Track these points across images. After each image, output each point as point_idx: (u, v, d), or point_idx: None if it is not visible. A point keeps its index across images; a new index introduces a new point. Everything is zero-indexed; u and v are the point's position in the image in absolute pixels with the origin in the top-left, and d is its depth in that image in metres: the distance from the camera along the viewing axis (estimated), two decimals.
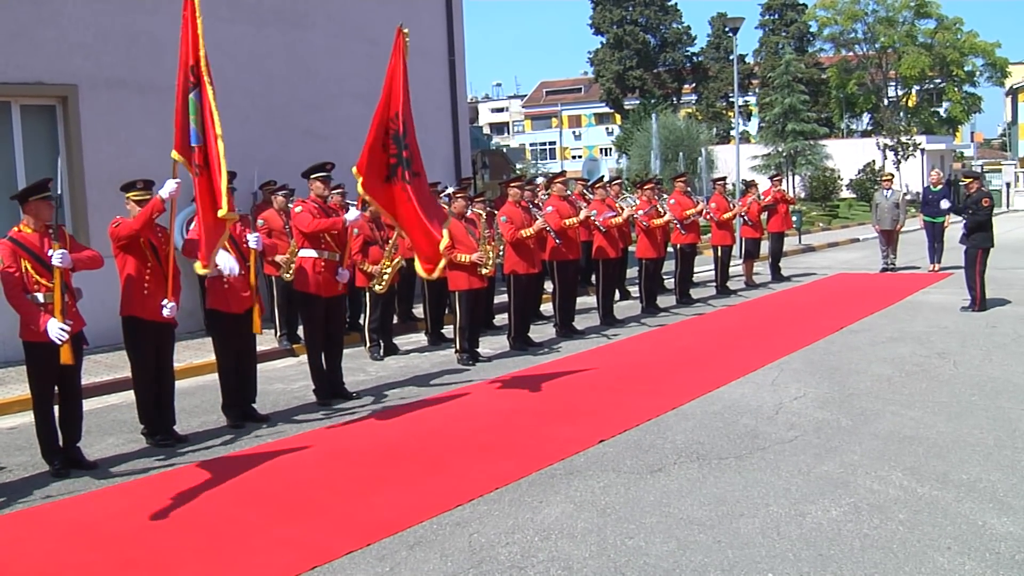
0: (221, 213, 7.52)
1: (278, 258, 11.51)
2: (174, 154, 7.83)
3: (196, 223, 8.03)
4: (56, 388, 7.48)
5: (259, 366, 9.36)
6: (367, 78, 14.73)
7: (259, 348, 9.45)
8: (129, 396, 8.85)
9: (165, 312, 7.88)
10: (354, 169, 9.09)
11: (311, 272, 9.41)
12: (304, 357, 10.39)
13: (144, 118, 12.90)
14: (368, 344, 12.00)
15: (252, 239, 8.54)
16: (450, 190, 12.80)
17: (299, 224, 9.43)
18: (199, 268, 7.91)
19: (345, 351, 10.03)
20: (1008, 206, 48.15)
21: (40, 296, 7.16)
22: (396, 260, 10.82)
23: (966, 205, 14.08)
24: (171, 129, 7.90)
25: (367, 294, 11.79)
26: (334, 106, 15.70)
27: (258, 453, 7.77)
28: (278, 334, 12.50)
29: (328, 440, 8.07)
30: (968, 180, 14.12)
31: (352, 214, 9.38)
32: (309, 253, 9.46)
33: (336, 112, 15.58)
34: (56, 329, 7.01)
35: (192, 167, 7.74)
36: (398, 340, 12.71)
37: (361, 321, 12.23)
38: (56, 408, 7.51)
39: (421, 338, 13.15)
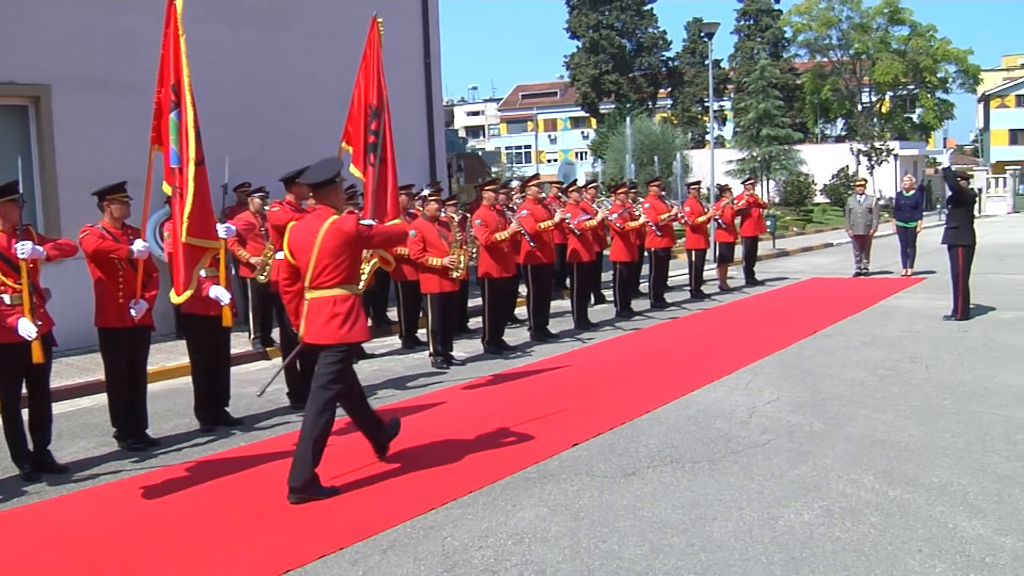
0: (183, 238, 7.47)
1: (253, 260, 11.44)
2: (165, 186, 7.75)
3: (169, 245, 7.92)
4: (25, 390, 7.42)
5: (232, 369, 9.32)
6: (344, 80, 14.59)
7: (232, 351, 9.39)
8: (100, 399, 8.80)
9: (133, 312, 7.83)
10: (343, 143, 9.19)
11: None
12: (278, 360, 10.36)
13: (119, 119, 12.83)
14: None
15: (221, 229, 8.42)
16: (425, 192, 12.76)
17: (275, 219, 9.37)
18: (173, 297, 7.70)
19: None
20: (980, 212, 48.47)
21: (7, 298, 7.08)
22: (372, 262, 10.78)
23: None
24: (147, 131, 7.84)
25: None
26: (311, 108, 15.65)
27: (231, 457, 7.74)
28: (252, 337, 12.44)
29: None
30: (961, 180, 14.06)
31: None
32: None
33: (313, 114, 15.52)
34: (26, 325, 6.96)
35: (174, 190, 7.63)
36: (372, 344, 12.68)
37: None
38: (25, 411, 7.45)
39: (395, 341, 13.12)
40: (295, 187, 9.46)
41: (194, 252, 7.63)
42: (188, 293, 7.65)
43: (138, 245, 7.84)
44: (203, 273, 8.30)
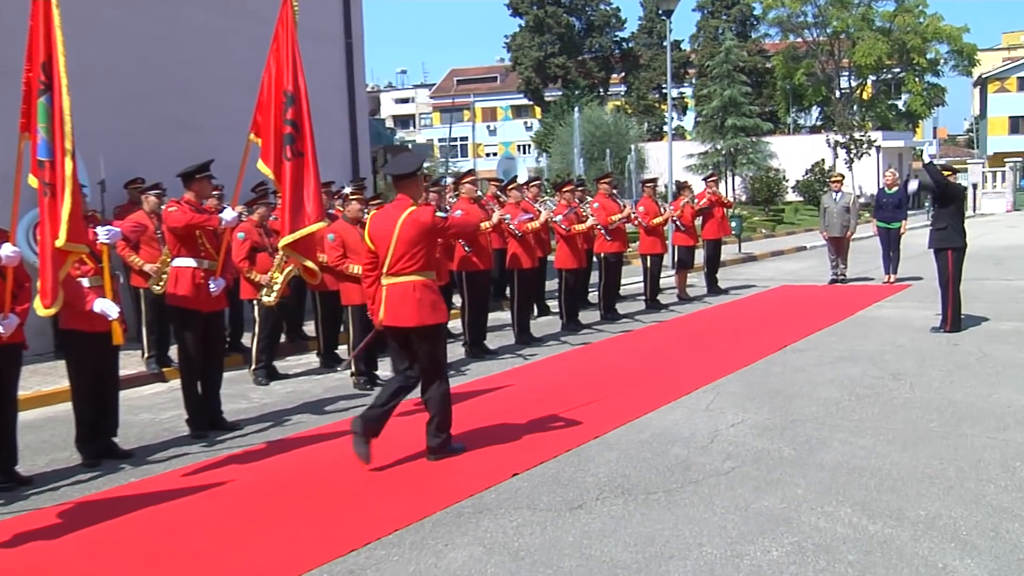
0: (59, 243, 7.39)
1: (147, 267, 11.35)
2: (31, 179, 7.63)
3: (41, 251, 7.80)
4: None
5: (122, 393, 9.19)
6: (252, 62, 14.54)
7: (122, 372, 9.28)
8: None
9: (1, 329, 7.67)
10: (251, 135, 9.20)
11: (189, 283, 9.28)
12: (176, 382, 10.23)
13: None
14: (254, 366, 11.86)
15: (102, 232, 8.28)
16: (347, 190, 12.69)
17: (173, 221, 9.27)
18: (40, 309, 7.59)
19: (224, 375, 9.95)
20: (975, 210, 48.84)
21: None
22: (287, 270, 10.74)
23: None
24: (14, 116, 7.71)
25: (256, 308, 11.67)
26: (213, 93, 15.55)
27: (119, 496, 7.60)
28: (146, 356, 12.29)
29: (203, 478, 7.94)
30: (948, 173, 14.20)
31: (228, 214, 9.27)
32: (186, 262, 9.33)
33: (216, 100, 15.42)
34: None
35: (43, 186, 7.51)
36: (287, 361, 12.62)
37: (244, 340, 12.09)
38: None
39: (312, 359, 13.06)
40: (195, 184, 9.38)
41: (62, 257, 7.55)
42: (56, 307, 7.55)
43: (6, 250, 7.67)
44: (87, 283, 8.19)
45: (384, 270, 7.99)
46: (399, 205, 8.01)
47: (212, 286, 9.35)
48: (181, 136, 14.55)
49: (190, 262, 9.33)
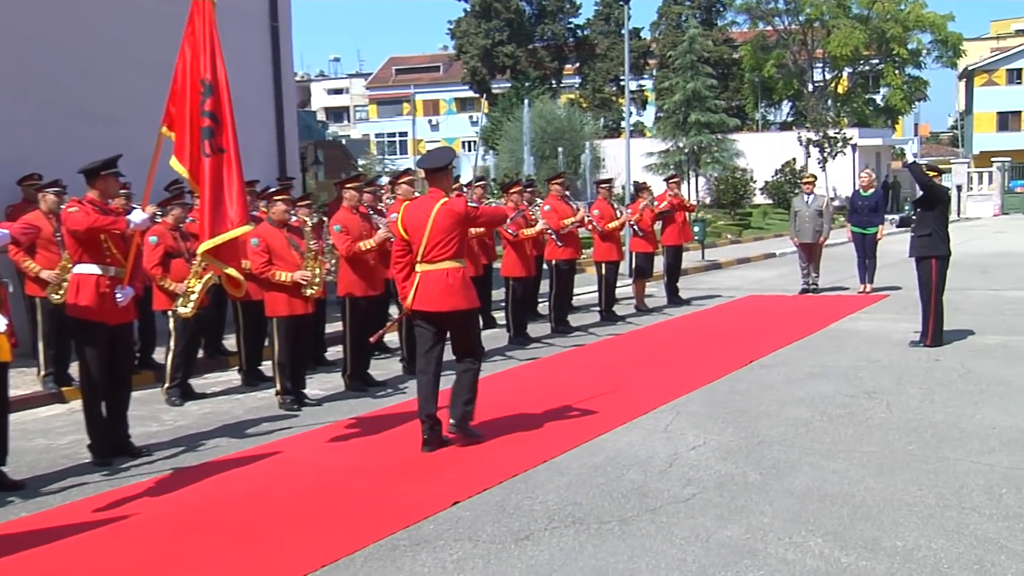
0: None
1: (45, 274, 11.19)
2: None
3: None
4: None
5: (14, 416, 9.09)
6: (162, 44, 14.34)
7: (14, 392, 9.14)
8: None
9: None
10: (164, 128, 9.10)
11: (93, 293, 9.14)
12: (77, 403, 10.10)
13: None
14: (167, 384, 11.71)
15: None
16: (272, 190, 12.58)
17: (74, 223, 9.11)
18: None
19: (133, 394, 9.84)
20: (959, 214, 49.02)
21: None
22: (205, 277, 10.63)
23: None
24: None
25: (170, 320, 11.54)
26: (117, 78, 15.33)
27: (7, 533, 7.45)
28: (42, 373, 12.09)
29: (106, 512, 7.82)
30: (933, 174, 14.20)
31: (137, 216, 9.14)
32: (89, 269, 9.18)
33: (120, 86, 15.23)
34: None
35: None
36: (204, 379, 12.51)
37: (157, 356, 11.96)
38: None
39: (233, 376, 12.97)
40: (100, 181, 9.25)
41: None
42: None
43: None
44: None
45: (419, 258, 9.15)
46: (432, 197, 9.22)
47: (119, 295, 9.22)
48: (83, 126, 14.34)
49: (93, 269, 9.19)
